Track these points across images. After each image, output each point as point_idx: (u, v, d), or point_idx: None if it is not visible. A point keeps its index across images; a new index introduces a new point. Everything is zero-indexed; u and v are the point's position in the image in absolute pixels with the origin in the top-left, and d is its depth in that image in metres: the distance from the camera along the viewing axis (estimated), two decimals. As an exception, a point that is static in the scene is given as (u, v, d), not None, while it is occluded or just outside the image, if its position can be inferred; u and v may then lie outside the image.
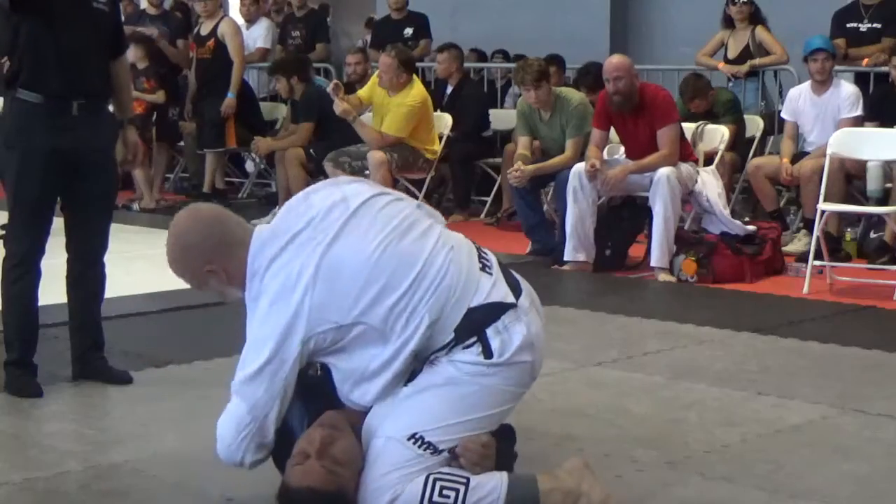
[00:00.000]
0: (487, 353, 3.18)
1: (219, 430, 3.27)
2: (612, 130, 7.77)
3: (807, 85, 8.39)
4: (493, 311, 3.21)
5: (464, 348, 3.19)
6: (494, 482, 3.18)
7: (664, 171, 7.27)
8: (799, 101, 8.35)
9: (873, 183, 7.15)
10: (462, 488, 3.13)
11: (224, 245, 3.27)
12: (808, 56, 8.20)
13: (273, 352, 3.13)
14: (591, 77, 9.10)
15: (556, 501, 3.23)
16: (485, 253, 3.36)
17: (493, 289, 3.24)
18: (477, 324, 3.18)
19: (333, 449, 3.15)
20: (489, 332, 3.19)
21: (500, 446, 3.34)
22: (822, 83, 8.19)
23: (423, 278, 3.16)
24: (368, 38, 12.77)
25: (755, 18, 9.54)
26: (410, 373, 3.22)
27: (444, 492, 3.13)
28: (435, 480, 3.13)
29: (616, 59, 7.56)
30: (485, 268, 3.28)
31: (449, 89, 10.21)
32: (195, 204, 3.60)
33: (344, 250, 3.16)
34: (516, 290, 3.30)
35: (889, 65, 8.01)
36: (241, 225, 3.33)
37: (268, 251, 3.20)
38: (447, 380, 3.18)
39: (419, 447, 3.15)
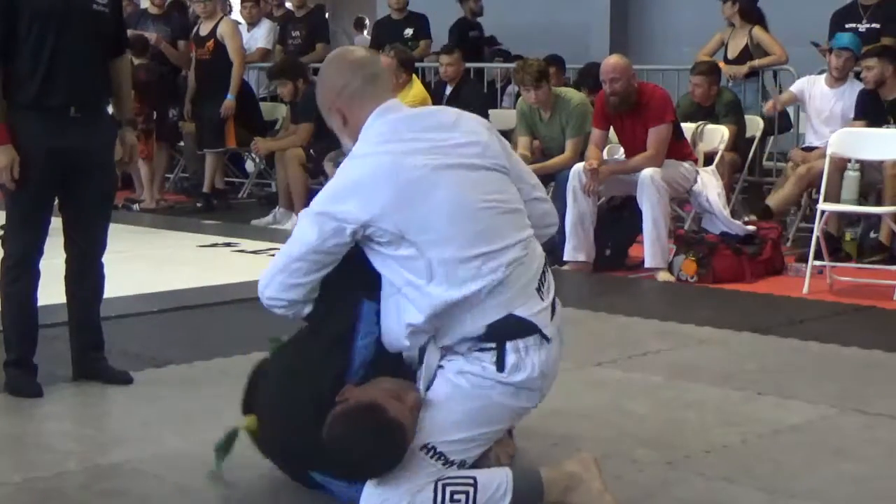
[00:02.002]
0: (500, 365, 3.18)
1: (271, 264, 3.31)
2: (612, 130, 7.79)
3: (822, 77, 8.52)
4: (523, 328, 3.20)
5: (481, 351, 3.18)
6: (500, 477, 3.22)
7: (647, 173, 7.25)
8: (813, 87, 8.54)
9: (848, 193, 7.16)
10: (471, 490, 3.16)
11: (353, 94, 3.31)
12: (833, 50, 8.40)
13: (342, 209, 3.14)
14: (591, 78, 9.09)
15: (559, 487, 3.27)
16: (548, 275, 3.34)
17: (540, 313, 3.25)
18: (503, 331, 3.18)
19: (408, 397, 3.17)
20: (509, 345, 3.18)
21: None
22: (839, 79, 8.39)
23: (492, 259, 3.16)
24: (357, 38, 12.79)
25: (751, 18, 9.54)
26: (429, 380, 3.23)
27: (456, 496, 3.15)
28: (444, 486, 3.15)
29: (613, 59, 7.56)
30: (540, 291, 3.28)
31: (448, 89, 10.20)
32: (351, 47, 3.61)
33: (452, 181, 3.19)
34: (552, 325, 3.30)
35: (862, 66, 8.04)
36: (376, 81, 3.34)
37: (394, 128, 3.24)
38: (458, 393, 3.19)
39: (431, 457, 3.17)
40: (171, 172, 12.03)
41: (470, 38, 11.58)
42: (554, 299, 3.35)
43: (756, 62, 9.40)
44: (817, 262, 6.92)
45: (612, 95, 7.40)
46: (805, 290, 6.83)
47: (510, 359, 3.19)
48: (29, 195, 4.52)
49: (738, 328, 5.84)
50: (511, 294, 3.19)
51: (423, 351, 3.26)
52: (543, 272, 3.33)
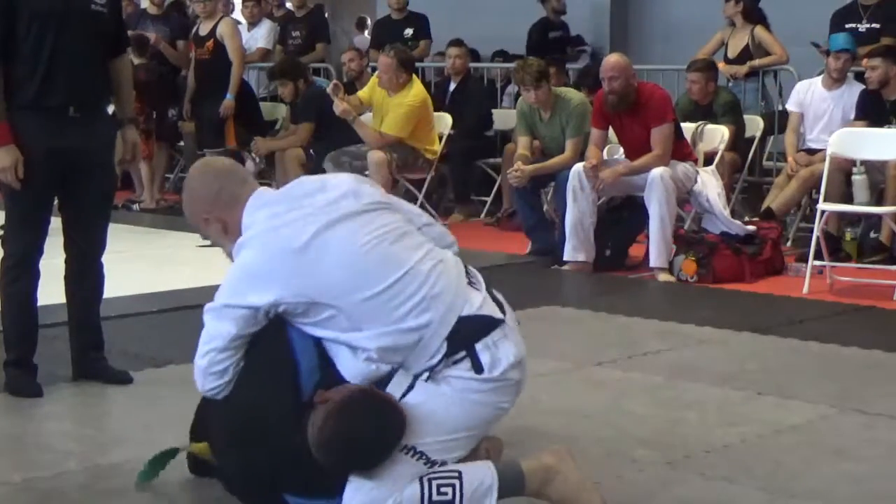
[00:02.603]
0: (478, 368, 3.21)
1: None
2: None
3: (818, 80, 8.48)
4: (483, 326, 3.24)
5: (453, 363, 3.21)
6: (484, 470, 3.24)
7: (657, 172, 7.26)
8: (808, 93, 8.47)
9: (860, 196, 7.16)
10: (457, 483, 3.17)
11: (223, 198, 3.41)
12: (831, 52, 8.33)
13: (245, 298, 3.22)
14: (591, 78, 9.09)
15: (537, 479, 3.28)
16: (472, 272, 3.41)
17: (484, 303, 3.29)
18: (466, 337, 3.21)
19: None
20: (479, 346, 3.22)
21: None
22: (837, 80, 8.37)
23: (409, 282, 3.20)
24: (356, 38, 12.79)
25: (753, 18, 9.54)
26: (406, 388, 3.23)
27: (442, 489, 3.17)
28: (430, 480, 3.17)
29: (612, 58, 7.56)
30: (472, 284, 3.34)
31: (452, 86, 10.21)
32: (213, 157, 3.70)
33: (337, 235, 3.24)
34: (502, 309, 3.35)
35: (866, 66, 8.04)
36: (245, 183, 3.44)
37: (268, 210, 3.32)
38: (441, 397, 3.20)
39: (413, 457, 3.18)
40: (171, 172, 12.03)
41: (550, 39, 11.48)
42: (490, 290, 3.38)
43: (756, 62, 9.39)
44: (817, 262, 6.92)
45: (610, 94, 7.40)
46: (805, 290, 6.82)
47: (485, 358, 3.21)
48: (29, 195, 4.52)
49: (738, 328, 5.84)
50: (449, 299, 3.23)
51: (393, 373, 3.27)
52: (465, 268, 3.38)
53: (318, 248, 3.21)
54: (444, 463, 3.21)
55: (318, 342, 3.27)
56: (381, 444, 3.15)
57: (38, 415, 4.46)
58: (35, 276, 4.64)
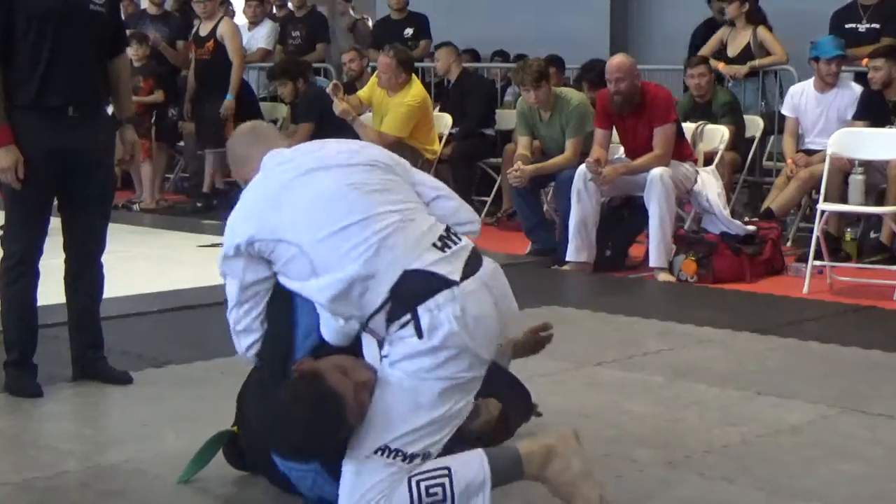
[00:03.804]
0: (419, 332, 3.11)
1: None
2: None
3: (809, 82, 8.49)
4: (428, 285, 3.14)
5: (400, 328, 3.13)
6: (475, 461, 3.16)
7: (657, 172, 7.26)
8: (801, 97, 8.47)
9: (854, 196, 7.16)
10: (446, 481, 3.11)
11: (237, 159, 3.67)
12: (821, 59, 8.31)
13: (231, 241, 3.34)
14: (593, 74, 9.09)
15: (537, 462, 3.20)
16: (455, 238, 3.30)
17: (438, 262, 3.19)
18: (410, 296, 3.13)
19: (356, 373, 3.16)
20: (420, 309, 3.11)
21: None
22: (829, 84, 8.37)
23: (366, 227, 3.19)
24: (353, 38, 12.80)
25: (755, 18, 9.54)
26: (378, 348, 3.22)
27: (431, 490, 3.10)
28: (418, 482, 3.10)
29: (618, 59, 7.56)
30: (442, 247, 3.23)
31: (450, 84, 10.22)
32: (248, 124, 3.85)
33: (318, 178, 3.32)
34: (469, 271, 3.22)
35: (869, 66, 8.04)
36: (256, 144, 3.57)
37: (273, 162, 3.45)
38: (395, 386, 3.13)
39: (388, 457, 3.11)
40: (171, 172, 12.03)
41: None
42: (476, 257, 3.28)
43: (757, 62, 9.39)
44: (817, 262, 6.93)
45: (616, 95, 7.40)
46: (805, 290, 6.83)
47: (424, 320, 3.10)
48: (28, 195, 4.52)
49: (738, 328, 5.84)
50: (399, 252, 3.17)
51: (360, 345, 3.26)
52: (445, 234, 3.28)
53: (296, 187, 3.30)
54: (427, 455, 3.12)
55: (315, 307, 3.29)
56: (311, 436, 3.11)
57: (38, 415, 4.46)
58: (35, 276, 4.64)
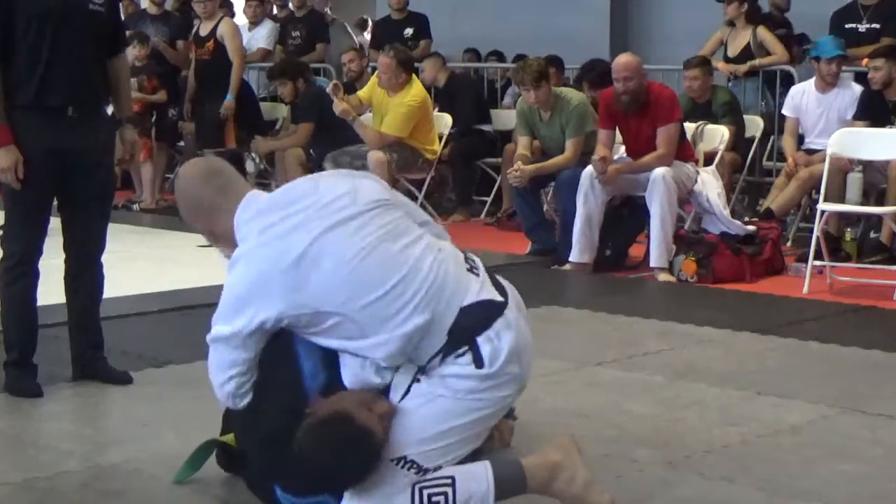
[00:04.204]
0: (479, 362, 3.11)
1: (211, 376, 3.31)
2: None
3: (810, 83, 8.49)
4: (485, 314, 3.16)
5: (455, 357, 3.13)
6: (479, 472, 3.16)
7: (660, 172, 7.27)
8: (802, 97, 8.48)
9: (852, 194, 7.17)
10: (449, 490, 3.11)
11: (204, 207, 3.39)
12: (821, 59, 8.30)
13: (247, 320, 3.14)
14: (594, 74, 9.09)
15: (542, 477, 3.21)
16: (471, 258, 3.34)
17: (482, 289, 3.21)
18: (469, 330, 3.13)
19: (377, 406, 3.14)
20: (480, 339, 3.13)
21: None
22: (829, 84, 8.38)
23: (412, 280, 3.12)
24: (358, 38, 12.80)
25: (755, 18, 9.54)
26: (407, 386, 3.19)
27: (434, 498, 3.10)
28: (421, 489, 3.10)
29: (625, 58, 7.56)
30: (472, 269, 3.27)
31: (439, 90, 10.25)
32: (196, 160, 3.65)
33: (333, 242, 3.14)
34: (503, 294, 3.27)
35: (869, 66, 8.04)
36: (226, 191, 3.35)
37: (261, 220, 3.21)
38: (436, 401, 3.12)
39: (404, 468, 3.11)
40: (171, 172, 12.03)
41: None
42: (498, 279, 3.31)
43: (757, 61, 9.40)
44: (817, 262, 6.93)
45: (624, 94, 7.40)
46: (805, 290, 6.83)
47: (485, 350, 3.12)
48: (28, 195, 4.52)
49: (738, 328, 5.84)
50: (450, 291, 3.15)
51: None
52: (465, 255, 3.31)
53: (313, 258, 3.11)
54: (438, 468, 3.13)
55: (318, 346, 3.22)
56: (344, 475, 3.10)
57: (38, 415, 4.46)
58: (35, 276, 4.64)
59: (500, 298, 3.22)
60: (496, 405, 3.20)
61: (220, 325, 3.21)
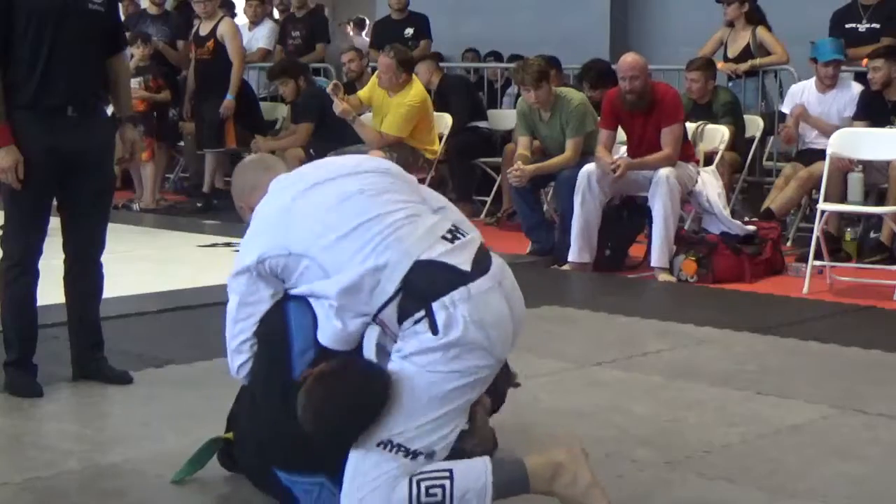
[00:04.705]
0: (434, 328, 3.11)
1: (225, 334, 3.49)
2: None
3: (811, 82, 8.49)
4: (442, 279, 3.14)
5: (413, 323, 3.13)
6: (479, 467, 3.15)
7: (664, 172, 7.28)
8: (802, 96, 8.48)
9: (853, 194, 7.17)
10: (447, 483, 3.10)
11: (247, 187, 3.68)
12: (818, 62, 8.30)
13: (248, 256, 3.35)
14: (593, 73, 9.09)
15: (544, 476, 3.19)
16: (462, 231, 3.31)
17: (448, 253, 3.20)
18: (425, 291, 3.13)
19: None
20: (435, 305, 3.11)
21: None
22: (828, 85, 8.40)
23: (375, 224, 3.22)
24: (356, 39, 12.81)
25: (754, 18, 9.54)
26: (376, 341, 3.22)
27: (431, 490, 3.10)
28: (419, 482, 3.10)
29: (631, 57, 7.56)
30: (451, 238, 3.25)
31: (433, 91, 10.25)
32: (255, 156, 4.08)
33: (322, 190, 3.36)
34: (480, 266, 3.23)
35: (869, 66, 8.04)
36: (268, 171, 3.64)
37: (278, 184, 3.49)
38: (404, 380, 3.12)
39: (391, 451, 3.11)
40: (171, 172, 12.04)
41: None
42: (484, 252, 3.30)
43: (757, 61, 9.40)
44: (817, 262, 6.93)
45: (629, 93, 7.41)
46: (805, 290, 6.83)
47: (440, 317, 3.11)
48: (28, 195, 4.52)
49: (738, 328, 5.84)
50: (409, 243, 3.19)
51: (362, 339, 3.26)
52: (454, 228, 3.30)
53: (299, 202, 3.33)
54: (431, 453, 3.12)
55: (314, 323, 3.27)
56: (362, 410, 3.10)
57: (38, 415, 4.46)
58: (35, 276, 4.64)
59: (463, 268, 3.19)
60: (468, 375, 3.15)
61: (234, 266, 3.42)
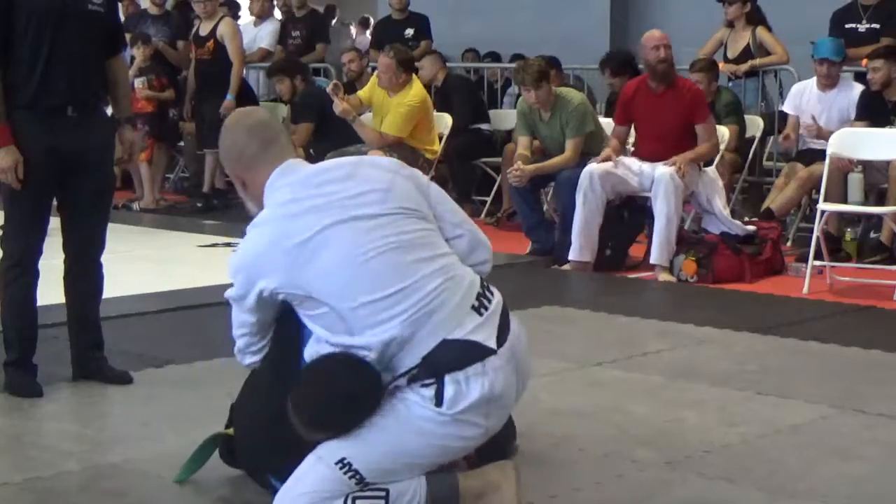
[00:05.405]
0: (439, 399, 3.05)
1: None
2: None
3: (812, 81, 8.49)
4: (463, 354, 3.09)
5: (421, 387, 3.08)
6: (414, 487, 3.14)
7: (666, 171, 7.29)
8: (803, 96, 8.47)
9: (854, 194, 7.17)
10: (383, 502, 3.10)
11: (244, 159, 3.38)
12: (815, 57, 8.36)
13: (247, 287, 3.22)
14: (616, 61, 9.10)
15: (474, 492, 3.19)
16: (489, 294, 3.24)
17: (476, 330, 3.13)
18: (443, 364, 3.07)
19: None
20: (447, 378, 3.05)
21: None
22: (827, 85, 8.40)
23: (409, 295, 3.09)
24: (359, 38, 12.80)
25: (754, 19, 9.54)
26: None
27: None
28: (354, 499, 3.09)
29: (657, 31, 7.75)
30: (478, 308, 3.17)
31: (436, 89, 10.25)
32: (250, 109, 3.69)
33: (343, 235, 3.15)
34: (500, 340, 3.17)
35: (868, 66, 8.04)
36: (270, 146, 3.36)
37: (289, 192, 3.25)
38: (394, 419, 3.09)
39: (345, 473, 3.09)
40: (171, 172, 12.04)
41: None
42: (506, 318, 3.23)
43: (757, 61, 9.39)
44: (817, 262, 6.92)
45: (662, 62, 7.53)
46: (805, 290, 6.82)
47: (448, 391, 3.05)
48: (28, 195, 4.52)
49: (738, 328, 5.84)
50: (441, 318, 3.10)
51: None
52: (482, 292, 3.22)
53: (317, 245, 3.13)
54: (384, 492, 3.11)
55: None
56: (352, 401, 3.08)
57: (38, 415, 4.46)
58: (35, 276, 4.64)
59: (489, 344, 3.13)
60: (452, 442, 3.13)
61: (231, 287, 3.30)
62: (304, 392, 3.12)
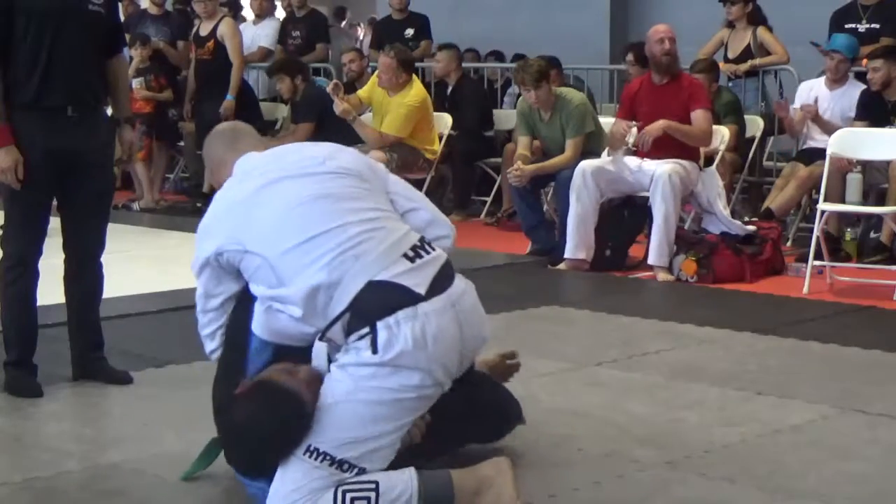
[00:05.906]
0: (374, 346, 3.09)
1: None
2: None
3: (820, 80, 8.51)
4: (392, 299, 3.12)
5: (357, 339, 3.11)
6: (405, 480, 3.15)
7: (665, 170, 7.29)
8: (811, 93, 8.48)
9: (852, 195, 7.17)
10: (373, 495, 3.10)
11: (213, 162, 3.72)
12: (827, 51, 8.42)
13: (204, 248, 3.45)
14: (640, 48, 9.10)
15: (469, 489, 3.19)
16: (427, 247, 3.28)
17: (405, 274, 3.16)
18: (373, 310, 3.10)
19: (299, 370, 3.21)
20: (379, 325, 3.09)
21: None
22: (836, 81, 8.42)
23: (333, 237, 3.18)
24: (363, 37, 12.80)
25: (755, 19, 9.54)
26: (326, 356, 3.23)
27: (357, 500, 3.10)
28: (344, 492, 3.10)
29: (663, 25, 7.84)
30: (412, 258, 3.21)
31: (450, 89, 10.23)
32: (227, 123, 3.94)
33: (283, 189, 3.31)
34: (437, 287, 3.19)
35: (868, 66, 8.04)
36: (234, 147, 3.60)
37: (241, 170, 3.49)
38: (343, 392, 3.11)
39: (316, 460, 3.11)
40: (171, 172, 12.04)
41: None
42: (447, 271, 3.25)
43: (757, 61, 9.40)
44: (817, 262, 6.92)
45: (667, 55, 7.57)
46: (805, 290, 6.82)
47: (381, 336, 3.08)
48: (28, 195, 4.52)
49: (738, 328, 5.83)
50: (367, 262, 3.16)
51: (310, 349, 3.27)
52: (419, 244, 3.26)
53: (260, 198, 3.30)
54: (359, 467, 3.12)
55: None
56: (276, 440, 3.12)
57: (38, 415, 4.46)
58: (35, 276, 4.65)
59: (418, 290, 3.15)
60: (404, 393, 3.13)
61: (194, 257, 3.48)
62: (228, 444, 3.24)
